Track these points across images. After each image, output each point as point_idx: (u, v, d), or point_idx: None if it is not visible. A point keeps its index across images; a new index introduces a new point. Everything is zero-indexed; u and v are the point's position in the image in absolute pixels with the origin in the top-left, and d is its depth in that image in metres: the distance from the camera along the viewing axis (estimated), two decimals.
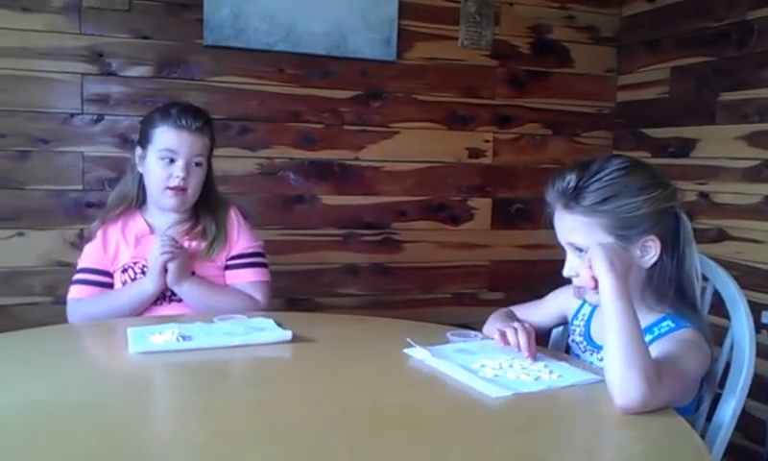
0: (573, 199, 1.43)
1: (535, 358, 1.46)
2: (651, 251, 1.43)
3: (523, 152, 3.15)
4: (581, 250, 1.44)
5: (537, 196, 3.31)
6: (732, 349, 1.59)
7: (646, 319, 1.44)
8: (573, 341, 1.64)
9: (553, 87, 3.16)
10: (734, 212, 2.63)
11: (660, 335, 1.43)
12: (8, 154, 2.51)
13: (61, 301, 2.01)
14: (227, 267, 2.03)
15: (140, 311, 1.90)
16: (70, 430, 1.10)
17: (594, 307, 1.62)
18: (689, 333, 1.41)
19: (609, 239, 1.41)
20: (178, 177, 1.91)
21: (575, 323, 1.67)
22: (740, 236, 2.61)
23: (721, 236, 2.67)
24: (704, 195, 2.75)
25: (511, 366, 1.41)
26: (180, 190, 1.92)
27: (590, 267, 1.38)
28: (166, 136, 1.92)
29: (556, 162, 3.14)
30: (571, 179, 1.44)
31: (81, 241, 2.52)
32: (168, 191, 1.92)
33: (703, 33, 2.75)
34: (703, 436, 1.55)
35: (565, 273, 1.50)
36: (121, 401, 1.25)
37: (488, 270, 3.14)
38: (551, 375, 1.37)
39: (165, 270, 1.88)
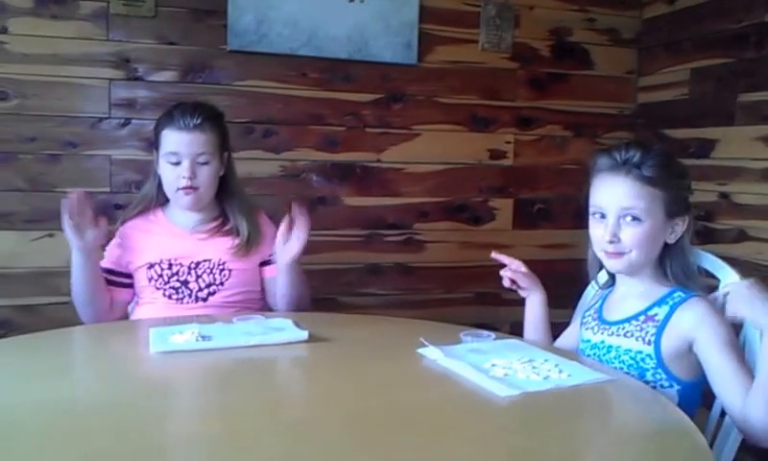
0: (637, 167, 1.52)
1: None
2: (678, 229, 1.56)
3: (544, 153, 3.16)
4: (633, 218, 1.52)
5: (558, 196, 3.32)
6: (744, 348, 1.60)
7: (657, 292, 1.56)
8: (587, 329, 1.68)
9: (574, 89, 3.17)
10: (755, 213, 2.62)
11: (675, 304, 1.52)
12: (38, 157, 2.59)
13: None
14: (266, 263, 2.09)
15: (93, 286, 1.94)
16: (90, 428, 1.14)
17: (605, 296, 1.70)
18: (702, 306, 1.49)
19: (661, 213, 1.52)
20: (184, 178, 1.95)
21: (587, 314, 1.73)
22: (761, 237, 2.60)
23: (741, 237, 2.67)
24: (724, 196, 2.74)
25: (523, 365, 1.44)
26: (191, 189, 1.96)
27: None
28: (169, 139, 1.96)
29: (577, 163, 3.14)
30: (635, 151, 1.53)
31: (108, 242, 2.59)
32: (180, 192, 1.97)
33: (722, 35, 2.75)
34: (715, 435, 1.57)
35: (609, 239, 1.54)
36: (141, 400, 1.29)
37: None
38: (561, 374, 1.40)
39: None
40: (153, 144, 2.05)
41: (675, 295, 1.54)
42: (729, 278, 1.68)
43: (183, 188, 1.96)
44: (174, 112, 1.98)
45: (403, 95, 2.96)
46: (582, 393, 1.34)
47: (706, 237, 2.77)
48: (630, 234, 1.52)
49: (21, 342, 1.65)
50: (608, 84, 3.21)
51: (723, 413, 1.59)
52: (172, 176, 1.97)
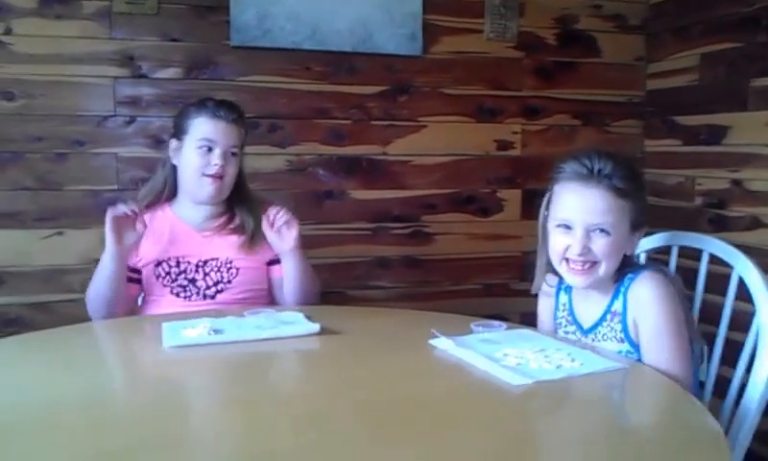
0: (608, 178, 1.48)
1: None
2: (636, 240, 1.56)
3: (552, 143, 3.14)
4: (601, 230, 1.49)
5: None
6: (757, 335, 1.59)
7: (610, 289, 1.56)
8: (566, 332, 1.67)
9: (581, 78, 3.15)
10: None
11: (626, 291, 1.53)
12: (46, 156, 2.59)
13: None
14: (273, 262, 2.07)
15: (117, 286, 1.92)
16: (104, 423, 1.14)
17: (570, 292, 1.67)
18: (639, 288, 1.50)
19: (627, 224, 1.50)
20: (216, 164, 1.97)
21: (559, 315, 1.70)
22: None
23: (754, 224, 2.63)
24: (736, 183, 2.71)
25: (536, 355, 1.42)
26: (218, 178, 1.98)
27: None
28: (204, 127, 1.98)
29: None
30: (606, 162, 1.49)
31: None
32: (206, 179, 1.98)
33: (732, 18, 2.71)
34: (730, 422, 1.56)
35: (578, 251, 1.50)
36: (155, 394, 1.29)
37: (518, 260, 3.13)
38: (573, 363, 1.39)
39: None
40: (174, 135, 2.05)
41: (625, 281, 1.54)
42: (741, 265, 1.67)
43: (212, 175, 1.97)
44: (208, 104, 2.01)
45: (409, 87, 2.94)
46: (594, 381, 1.33)
47: (718, 225, 2.75)
48: (599, 245, 1.49)
49: (33, 339, 1.65)
50: (616, 71, 3.18)
51: (737, 401, 1.58)
52: (201, 162, 1.98)
